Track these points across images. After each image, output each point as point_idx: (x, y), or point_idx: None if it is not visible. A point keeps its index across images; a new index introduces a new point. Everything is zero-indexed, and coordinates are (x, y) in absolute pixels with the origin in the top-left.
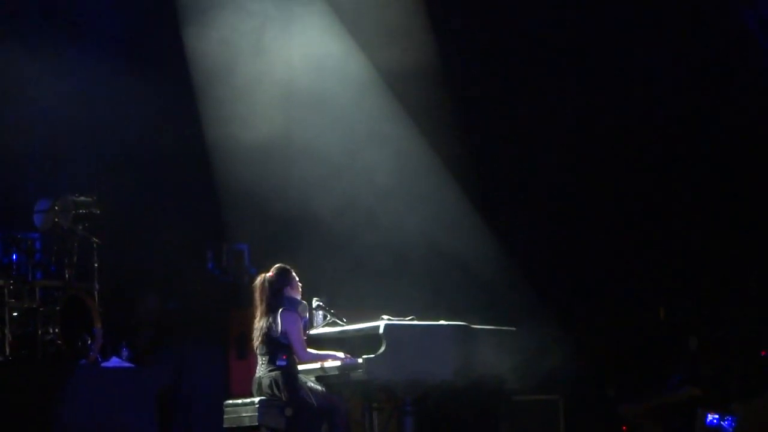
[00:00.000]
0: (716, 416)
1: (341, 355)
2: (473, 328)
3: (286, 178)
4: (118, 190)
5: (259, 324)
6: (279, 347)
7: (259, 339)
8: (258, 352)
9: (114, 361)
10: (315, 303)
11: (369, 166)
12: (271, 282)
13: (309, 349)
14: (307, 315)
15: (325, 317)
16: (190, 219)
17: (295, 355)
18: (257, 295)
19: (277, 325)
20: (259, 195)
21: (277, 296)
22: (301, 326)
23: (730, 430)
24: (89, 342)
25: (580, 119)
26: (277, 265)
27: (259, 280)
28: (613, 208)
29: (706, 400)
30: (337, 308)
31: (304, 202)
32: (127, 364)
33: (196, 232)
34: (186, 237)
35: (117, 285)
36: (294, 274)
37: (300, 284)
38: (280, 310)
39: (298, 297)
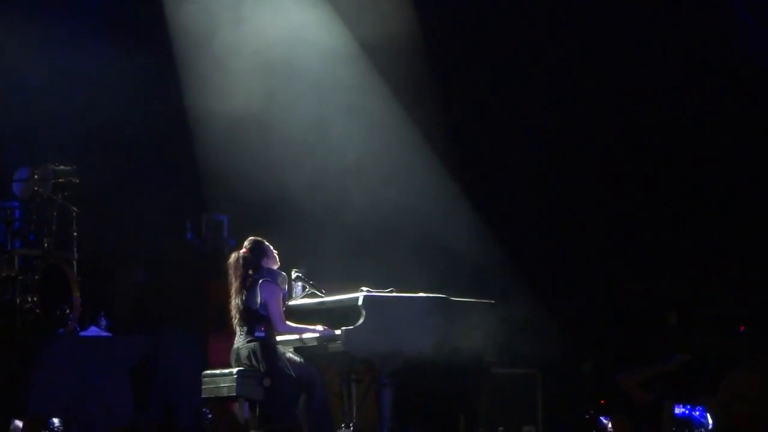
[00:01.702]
0: (685, 408)
1: (320, 328)
2: (452, 300)
3: (265, 149)
4: (98, 160)
5: (235, 301)
6: (258, 319)
7: (237, 316)
8: (236, 323)
9: (92, 331)
10: (294, 274)
11: (347, 138)
12: (246, 258)
13: (287, 322)
14: (286, 287)
15: (304, 288)
16: (169, 189)
17: (273, 327)
18: (232, 272)
19: (256, 295)
20: (238, 166)
21: (255, 271)
22: (281, 298)
23: (703, 420)
24: (68, 311)
25: (564, 90)
26: (250, 239)
27: (233, 257)
28: (596, 183)
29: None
30: (316, 279)
31: (282, 173)
32: (105, 334)
33: (176, 203)
34: (165, 207)
35: (96, 254)
36: (267, 244)
37: (276, 253)
38: (260, 281)
39: (276, 267)
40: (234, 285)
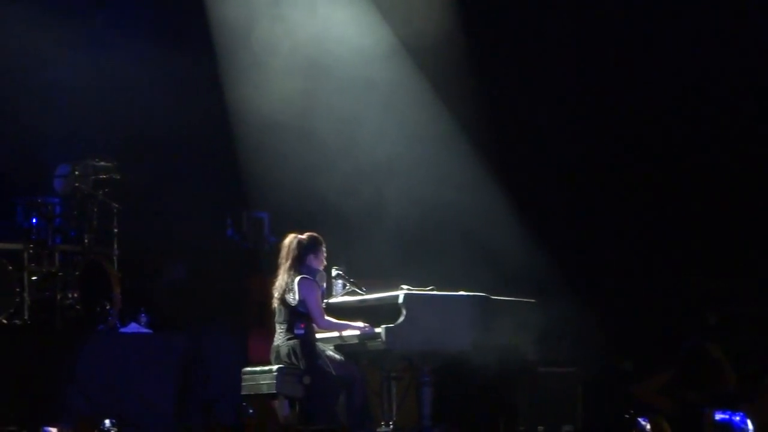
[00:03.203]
0: (730, 414)
1: (360, 324)
2: (492, 299)
3: (304, 146)
4: (138, 156)
5: (279, 281)
6: (297, 316)
7: (279, 296)
8: (276, 320)
9: (132, 327)
10: (335, 272)
11: (384, 135)
12: (301, 243)
13: (327, 317)
14: (325, 284)
15: (344, 286)
16: (210, 186)
17: (314, 322)
18: (284, 253)
19: (294, 293)
20: (278, 163)
21: (301, 259)
22: (319, 294)
23: (743, 426)
24: (108, 307)
25: (606, 84)
26: (311, 233)
27: (289, 238)
28: (636, 181)
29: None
30: (357, 277)
31: (321, 170)
32: (145, 330)
33: (217, 199)
34: (206, 204)
35: (136, 251)
36: (324, 247)
37: (325, 259)
38: (298, 278)
39: (320, 269)
40: (283, 265)
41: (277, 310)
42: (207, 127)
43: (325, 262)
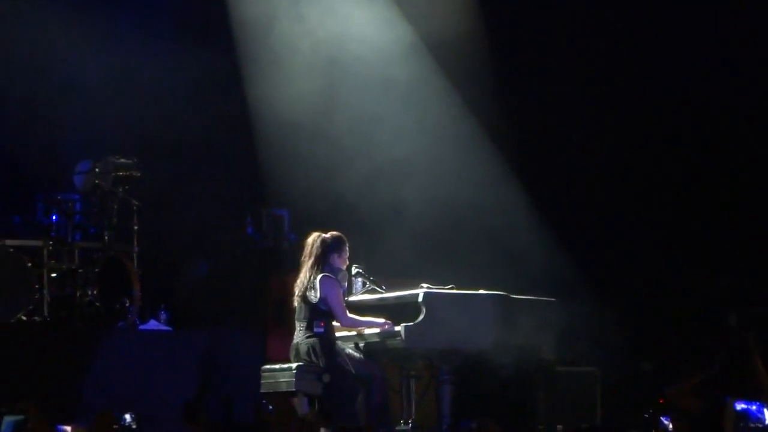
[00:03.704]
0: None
1: (382, 320)
2: (512, 297)
3: (325, 144)
4: (159, 154)
5: (301, 278)
6: (317, 314)
7: (300, 293)
8: (296, 317)
9: (152, 324)
10: (354, 270)
11: (404, 133)
12: (325, 241)
13: (350, 314)
14: (346, 283)
15: (364, 284)
16: (230, 183)
17: (336, 320)
18: (307, 251)
19: (316, 291)
20: (298, 161)
21: (324, 258)
22: (341, 292)
23: (760, 415)
24: (127, 304)
25: (630, 81)
26: (335, 232)
27: (312, 236)
28: (657, 178)
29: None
30: (376, 276)
31: (342, 168)
32: (165, 328)
33: (236, 197)
34: (226, 201)
35: (156, 248)
36: (347, 247)
37: (348, 258)
38: (320, 276)
39: (342, 268)
40: (306, 262)
41: (297, 308)
42: (227, 125)
43: (347, 262)
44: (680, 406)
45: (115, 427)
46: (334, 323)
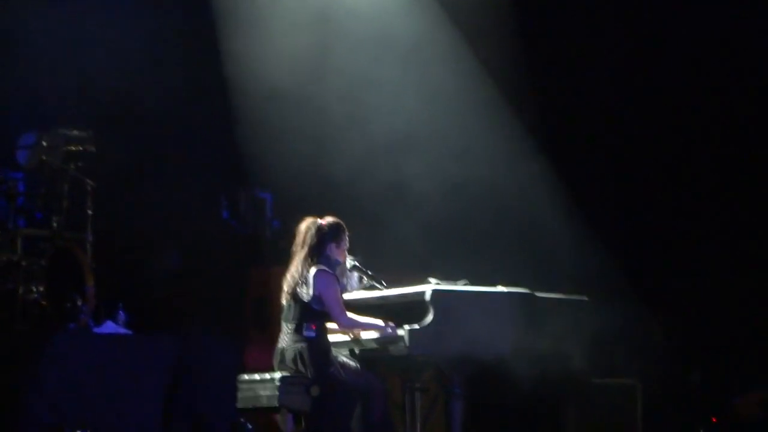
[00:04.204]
0: None
1: (382, 323)
2: (537, 296)
3: (313, 115)
4: (119, 125)
5: (293, 272)
6: (309, 314)
7: (290, 289)
8: (283, 317)
9: (108, 327)
10: (350, 263)
11: (406, 102)
12: (321, 229)
13: (350, 315)
14: (345, 279)
15: (361, 279)
16: (203, 160)
17: (333, 320)
18: (300, 239)
19: (309, 287)
20: (283, 134)
21: (320, 247)
22: (339, 290)
23: None
24: (79, 303)
25: (677, 39)
26: (334, 218)
27: (307, 223)
28: (714, 168)
29: None
30: (376, 270)
31: (334, 143)
32: (123, 331)
33: (210, 176)
34: (198, 181)
35: (114, 236)
36: (347, 235)
37: (347, 249)
38: (314, 269)
39: (341, 261)
40: (299, 253)
41: (285, 307)
42: (200, 91)
43: (346, 254)
44: (747, 416)
45: None
46: (329, 325)
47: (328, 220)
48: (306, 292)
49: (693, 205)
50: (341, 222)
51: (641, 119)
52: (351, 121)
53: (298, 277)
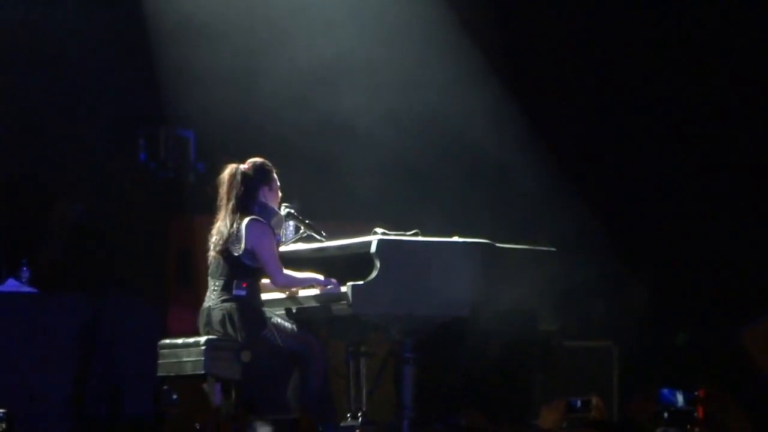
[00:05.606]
0: None
1: (323, 278)
2: (499, 247)
3: (246, 40)
4: (14, 56)
5: (220, 227)
6: (240, 270)
7: (219, 247)
8: (209, 274)
9: (10, 285)
10: (284, 210)
11: (355, 26)
12: (246, 175)
13: (287, 271)
14: (281, 231)
15: (297, 229)
16: (115, 95)
17: (269, 277)
18: (224, 190)
19: (240, 239)
20: (208, 64)
21: (248, 197)
22: (275, 242)
23: None
24: None
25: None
26: (256, 158)
27: (228, 170)
28: (699, 114)
29: None
30: (315, 219)
31: (267, 72)
32: (27, 289)
33: (124, 112)
34: (110, 119)
35: (16, 183)
36: (275, 175)
37: (279, 191)
38: (246, 219)
39: (275, 207)
40: (224, 207)
41: (212, 261)
42: (110, 18)
43: (279, 198)
44: (756, 355)
45: None
46: (264, 282)
47: (252, 161)
48: (238, 247)
49: (679, 152)
50: (265, 161)
51: (624, 47)
52: (280, 49)
53: (227, 230)
